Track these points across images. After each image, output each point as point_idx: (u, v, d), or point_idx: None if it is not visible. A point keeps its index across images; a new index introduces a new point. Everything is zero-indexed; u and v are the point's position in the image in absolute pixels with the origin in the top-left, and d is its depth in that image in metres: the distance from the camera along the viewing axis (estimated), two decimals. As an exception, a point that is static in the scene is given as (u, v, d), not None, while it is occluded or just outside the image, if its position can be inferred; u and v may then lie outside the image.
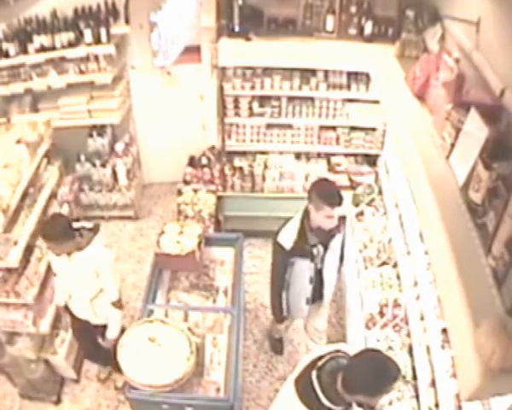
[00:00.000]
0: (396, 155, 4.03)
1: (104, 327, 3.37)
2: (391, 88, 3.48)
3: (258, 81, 4.60)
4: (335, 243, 3.22)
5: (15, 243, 3.27)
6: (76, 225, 3.14)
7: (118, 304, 3.26)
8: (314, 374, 2.18)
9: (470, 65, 2.72)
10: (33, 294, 3.43)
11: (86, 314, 3.33)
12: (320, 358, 2.26)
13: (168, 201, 5.80)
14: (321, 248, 3.14)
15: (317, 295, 3.38)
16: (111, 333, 3.33)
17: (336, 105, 4.73)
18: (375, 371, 2.02)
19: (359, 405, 2.14)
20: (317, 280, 3.28)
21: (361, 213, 4.66)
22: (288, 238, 3.05)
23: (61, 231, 2.91)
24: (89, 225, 3.32)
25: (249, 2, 4.31)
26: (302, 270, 3.17)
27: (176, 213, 5.17)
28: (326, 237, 3.10)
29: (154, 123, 5.60)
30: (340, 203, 2.91)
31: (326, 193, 2.91)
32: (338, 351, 2.30)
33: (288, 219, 3.17)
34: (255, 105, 4.77)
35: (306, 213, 3.04)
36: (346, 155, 5.14)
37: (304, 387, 2.21)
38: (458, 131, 2.39)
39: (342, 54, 4.28)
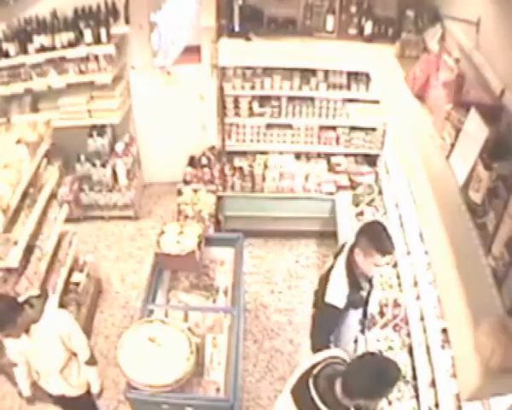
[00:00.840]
0: (396, 155, 4.04)
1: (82, 397, 3.18)
2: (391, 88, 3.48)
3: (258, 81, 4.60)
4: (375, 279, 3.09)
5: (15, 243, 3.27)
6: (21, 298, 2.90)
7: (91, 361, 3.05)
8: (311, 381, 2.17)
9: (470, 65, 2.72)
10: (33, 294, 3.42)
11: (60, 388, 3.07)
12: (314, 366, 2.25)
13: (168, 201, 5.80)
14: (367, 287, 2.93)
15: None
16: (94, 389, 3.20)
17: (336, 105, 4.74)
18: (376, 375, 2.02)
19: (357, 409, 2.14)
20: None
21: (361, 213, 4.66)
22: (340, 296, 2.73)
23: (10, 313, 2.61)
24: (35, 292, 3.18)
25: (249, 2, 4.31)
26: (354, 318, 2.95)
27: (176, 213, 5.17)
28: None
29: (154, 123, 5.61)
30: (391, 252, 2.67)
31: (379, 239, 2.63)
32: (333, 357, 2.30)
33: (326, 277, 2.88)
34: (255, 105, 4.77)
35: (351, 255, 2.76)
36: (346, 155, 5.15)
37: (301, 396, 2.20)
38: (458, 131, 2.39)
39: (342, 54, 4.28)
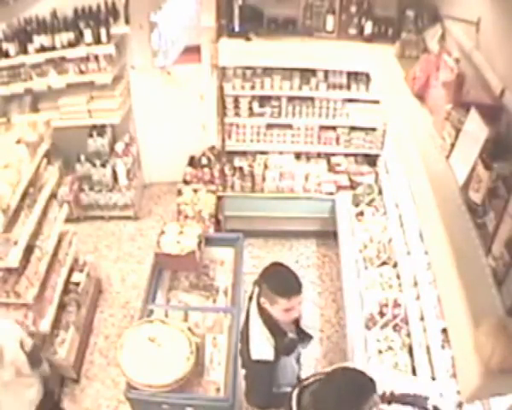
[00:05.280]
0: (396, 155, 4.04)
1: None
2: (391, 88, 3.49)
3: (258, 81, 4.60)
4: None
5: (15, 243, 3.27)
6: None
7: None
8: (295, 392, 2.08)
9: (470, 65, 2.72)
10: (33, 294, 3.42)
11: None
12: (308, 378, 2.17)
13: (168, 201, 5.80)
14: (293, 328, 2.61)
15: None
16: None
17: (336, 105, 4.73)
18: (345, 389, 1.87)
19: None
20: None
21: (361, 213, 4.66)
22: (266, 349, 2.43)
23: None
24: None
25: (249, 2, 4.30)
26: (289, 363, 2.63)
27: (176, 213, 5.17)
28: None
29: (154, 123, 5.60)
30: (299, 291, 2.37)
31: (276, 282, 2.39)
32: (343, 368, 2.13)
33: (245, 332, 2.59)
34: (255, 105, 4.77)
35: (262, 308, 2.48)
36: (346, 155, 5.14)
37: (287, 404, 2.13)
38: (458, 131, 2.39)
39: (342, 54, 4.28)
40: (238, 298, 3.59)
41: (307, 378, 2.19)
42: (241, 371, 2.76)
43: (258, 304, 2.49)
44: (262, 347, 2.44)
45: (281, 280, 2.41)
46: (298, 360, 2.79)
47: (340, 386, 1.89)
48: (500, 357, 1.55)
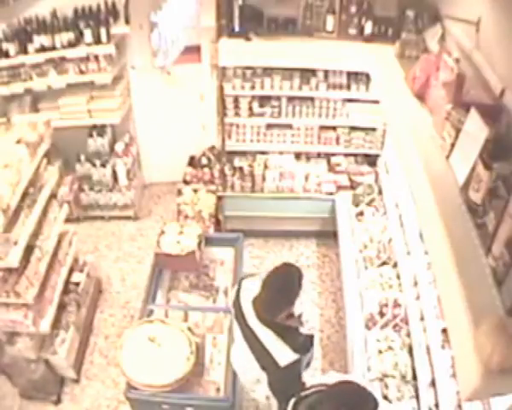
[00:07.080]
0: (396, 154, 4.04)
1: None
2: (391, 88, 3.48)
3: (258, 81, 4.59)
4: None
5: (15, 243, 3.26)
6: None
7: None
8: (291, 402, 2.05)
9: (470, 65, 2.72)
10: (33, 294, 3.42)
11: None
12: (309, 388, 2.15)
13: (168, 201, 5.81)
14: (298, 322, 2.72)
15: None
16: None
17: (336, 105, 4.73)
18: (347, 405, 1.83)
19: None
20: None
21: (361, 213, 4.67)
22: (290, 352, 2.48)
23: None
24: None
25: (249, 2, 4.30)
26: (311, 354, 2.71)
27: (176, 213, 5.17)
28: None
29: (154, 123, 5.61)
30: (301, 271, 2.61)
31: (293, 280, 2.55)
32: (345, 382, 2.10)
33: (259, 350, 2.58)
34: (255, 105, 4.77)
35: (269, 321, 2.56)
36: (346, 155, 5.14)
37: None
38: (458, 131, 2.39)
39: (342, 54, 4.28)
40: (238, 298, 3.59)
41: (306, 389, 2.16)
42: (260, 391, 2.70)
43: (263, 320, 2.55)
44: (284, 351, 2.48)
45: (292, 277, 2.56)
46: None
47: (340, 404, 1.85)
48: (500, 357, 1.55)
